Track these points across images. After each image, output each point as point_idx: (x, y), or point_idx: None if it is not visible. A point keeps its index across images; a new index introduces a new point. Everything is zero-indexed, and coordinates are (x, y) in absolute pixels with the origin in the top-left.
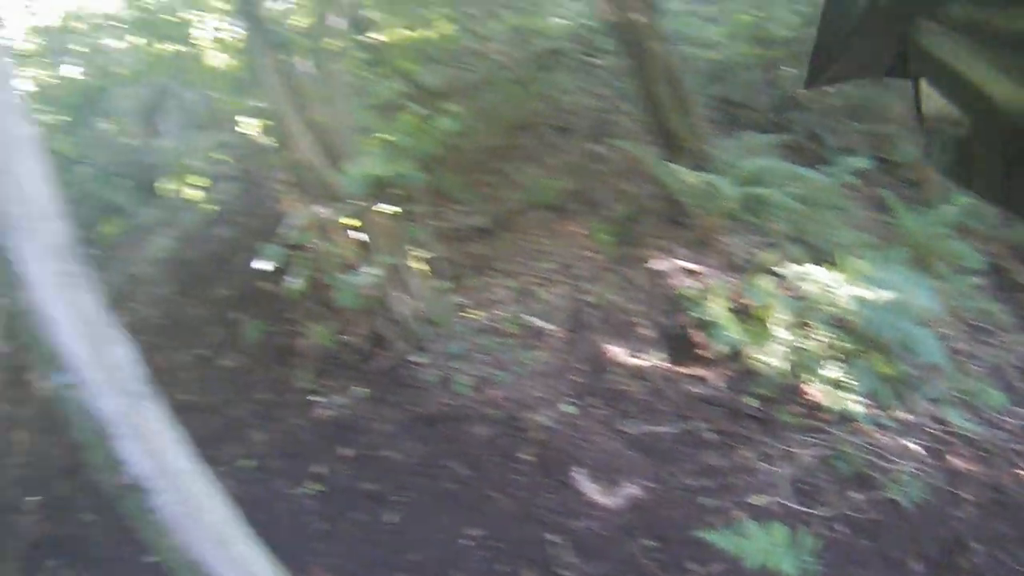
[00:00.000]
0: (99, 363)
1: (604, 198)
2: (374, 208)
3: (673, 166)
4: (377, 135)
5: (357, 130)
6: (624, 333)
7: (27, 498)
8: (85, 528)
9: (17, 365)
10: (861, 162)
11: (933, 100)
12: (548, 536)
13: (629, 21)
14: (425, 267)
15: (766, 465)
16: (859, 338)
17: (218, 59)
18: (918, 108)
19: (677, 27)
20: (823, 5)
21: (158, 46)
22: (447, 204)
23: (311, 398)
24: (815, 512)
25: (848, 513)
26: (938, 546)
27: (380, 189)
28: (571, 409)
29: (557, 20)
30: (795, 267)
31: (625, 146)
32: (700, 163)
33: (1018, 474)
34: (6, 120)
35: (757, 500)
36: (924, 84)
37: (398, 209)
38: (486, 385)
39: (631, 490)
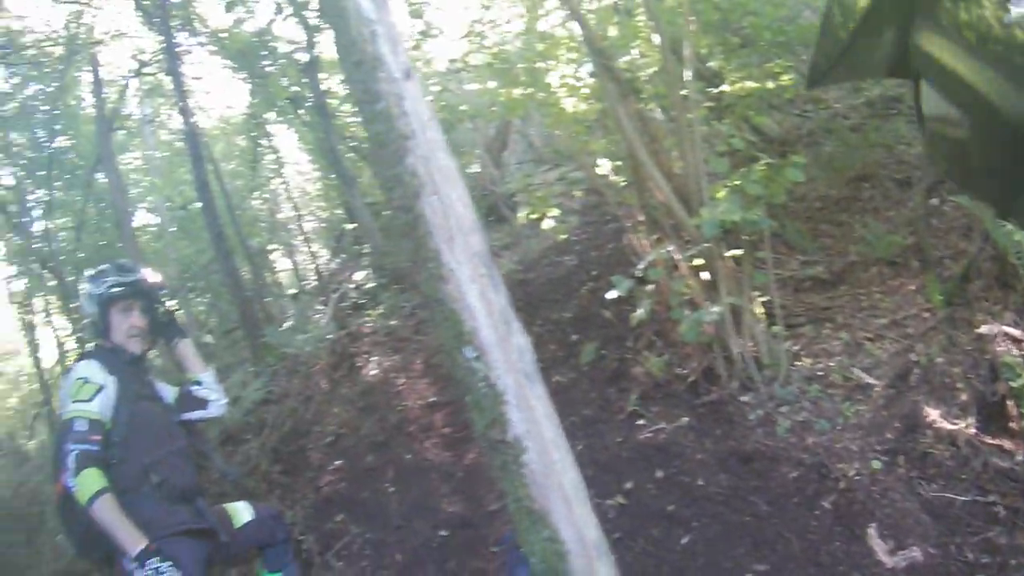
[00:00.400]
0: (502, 346)
1: (941, 256)
2: (721, 251)
3: (1008, 225)
4: (726, 182)
5: (707, 176)
6: (942, 396)
7: (335, 462)
8: (381, 496)
9: (345, 351)
10: None
11: (933, 101)
12: None
13: None
14: (762, 312)
15: None
16: None
17: (568, 103)
18: (918, 109)
19: None
20: (824, 8)
21: (510, 89)
22: (788, 252)
23: (636, 421)
24: None
25: None
26: None
27: (728, 234)
28: (877, 464)
29: None
30: None
31: (961, 202)
32: None
33: None
34: (437, 154)
35: None
36: (924, 85)
37: (741, 253)
38: (804, 431)
39: (914, 554)
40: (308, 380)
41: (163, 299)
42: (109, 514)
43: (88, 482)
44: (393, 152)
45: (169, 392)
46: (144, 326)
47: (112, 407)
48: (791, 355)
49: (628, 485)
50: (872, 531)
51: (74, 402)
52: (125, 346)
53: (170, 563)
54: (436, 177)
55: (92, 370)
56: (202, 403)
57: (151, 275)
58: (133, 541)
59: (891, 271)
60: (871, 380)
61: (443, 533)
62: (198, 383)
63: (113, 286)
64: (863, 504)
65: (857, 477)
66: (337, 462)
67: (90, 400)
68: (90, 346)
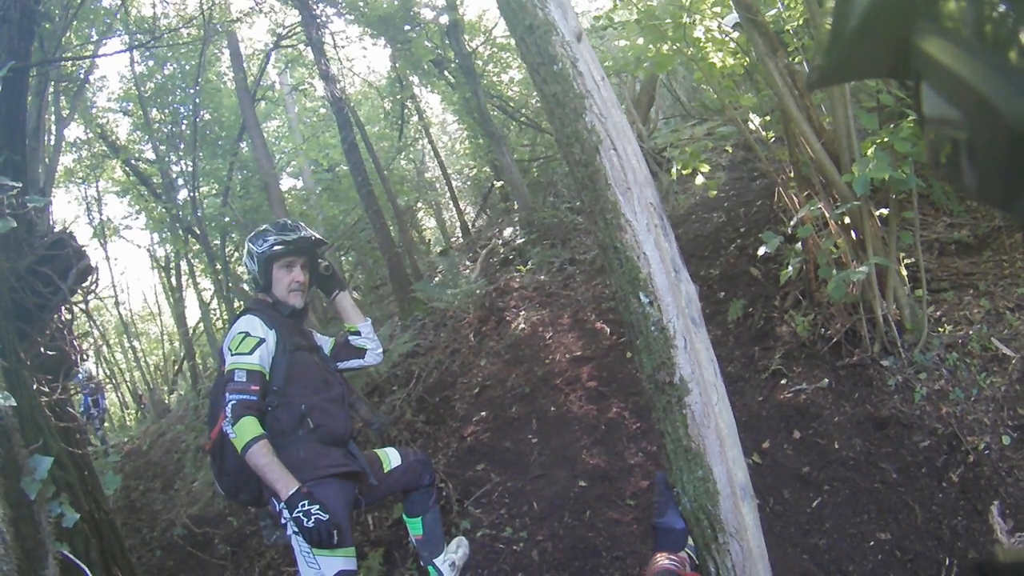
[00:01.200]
0: (673, 292)
1: None
2: (870, 210)
3: None
4: (875, 139)
5: (857, 132)
6: None
7: (480, 413)
8: (523, 446)
9: (493, 306)
10: None
11: (934, 102)
12: (944, 558)
13: None
14: (906, 275)
15: None
16: None
17: (716, 57)
18: (919, 110)
19: None
20: (835, 8)
21: (658, 45)
22: (934, 214)
23: (778, 381)
24: None
25: None
26: None
27: (876, 192)
28: (1007, 440)
29: None
30: None
31: None
32: None
33: None
34: (611, 111)
35: None
36: (925, 86)
37: (888, 213)
38: (940, 400)
39: None
40: (456, 333)
41: (323, 254)
42: (263, 459)
43: (245, 429)
44: (571, 111)
45: (327, 342)
46: (305, 281)
47: (271, 358)
48: (933, 321)
49: (765, 445)
50: (995, 509)
51: (235, 355)
52: (286, 300)
53: (318, 506)
54: (612, 133)
55: (253, 324)
56: (359, 352)
57: (311, 232)
58: (285, 485)
59: None
60: (1009, 352)
61: (581, 484)
62: (356, 333)
63: (275, 244)
64: (989, 480)
65: (986, 452)
66: (481, 413)
67: (250, 353)
68: (251, 302)
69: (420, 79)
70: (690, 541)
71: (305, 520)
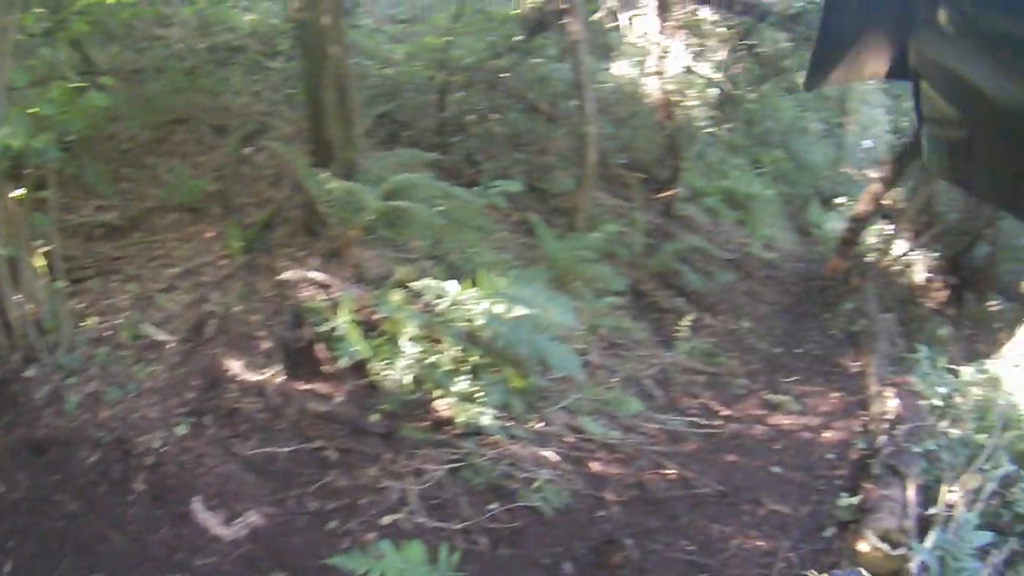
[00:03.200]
0: None
1: (246, 203)
2: (6, 189)
3: (320, 174)
4: (26, 105)
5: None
6: (243, 346)
7: None
8: None
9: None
10: (513, 186)
11: (933, 101)
12: None
13: (315, 22)
14: (43, 265)
15: (395, 483)
16: (492, 353)
17: None
18: (918, 109)
19: (362, 40)
20: (823, 7)
21: None
22: (84, 196)
23: None
24: (451, 526)
25: (487, 524)
26: (588, 546)
27: (11, 167)
28: (183, 429)
29: (249, 16)
30: (431, 282)
31: (277, 148)
32: (350, 174)
33: (659, 472)
34: None
35: (388, 519)
36: (924, 85)
37: (24, 192)
38: (97, 404)
39: (252, 518)
40: None
41: None
42: None
43: None
44: None
45: None
46: None
47: None
48: (77, 315)
49: None
50: (197, 505)
51: None
52: None
53: None
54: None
55: None
56: None
57: None
58: None
59: (191, 218)
60: (164, 336)
61: None
62: None
63: None
64: (179, 478)
65: (164, 448)
66: None
67: None
68: None
69: None
70: None
71: None
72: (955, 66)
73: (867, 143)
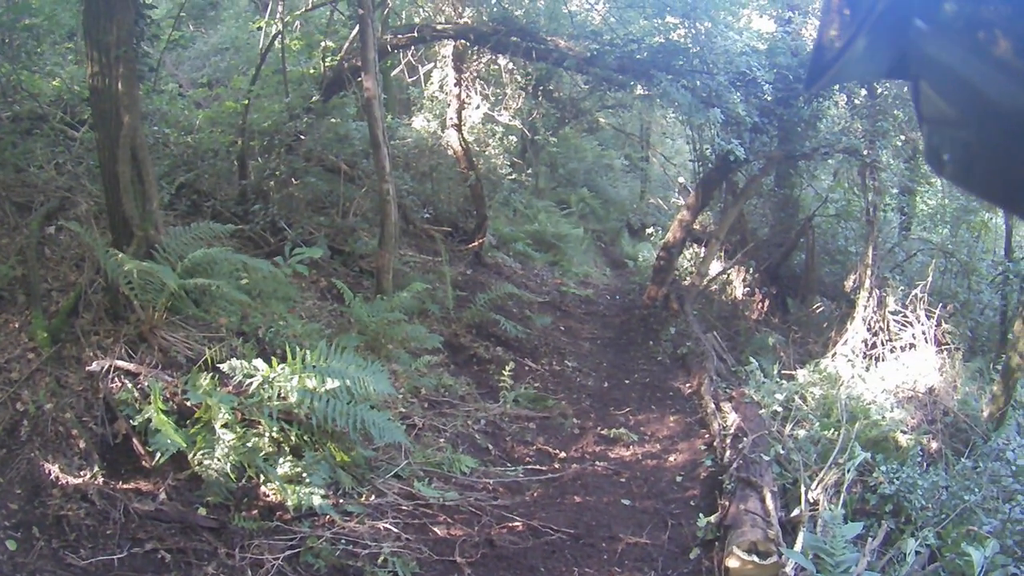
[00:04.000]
0: None
1: (51, 287)
2: None
3: (119, 254)
4: None
5: None
6: (60, 447)
7: None
8: None
9: None
10: (316, 252)
11: (933, 101)
12: None
13: (108, 89)
14: None
15: None
16: (311, 430)
17: None
18: (918, 109)
19: (164, 107)
20: (822, 6)
21: None
22: None
23: None
24: None
25: None
26: None
27: None
28: (13, 545)
29: (52, 81)
30: (237, 363)
31: (76, 229)
32: (150, 252)
33: (506, 526)
34: None
35: None
36: (924, 85)
37: None
38: None
39: None
40: None
41: None
42: None
43: None
44: None
45: None
46: None
47: None
48: None
49: None
50: None
51: None
52: None
53: None
54: None
55: None
56: None
57: None
58: None
59: None
60: None
61: None
62: None
63: None
64: None
65: None
66: None
67: None
68: None
69: None
70: None
71: None
72: (955, 65)
73: (671, 173)
